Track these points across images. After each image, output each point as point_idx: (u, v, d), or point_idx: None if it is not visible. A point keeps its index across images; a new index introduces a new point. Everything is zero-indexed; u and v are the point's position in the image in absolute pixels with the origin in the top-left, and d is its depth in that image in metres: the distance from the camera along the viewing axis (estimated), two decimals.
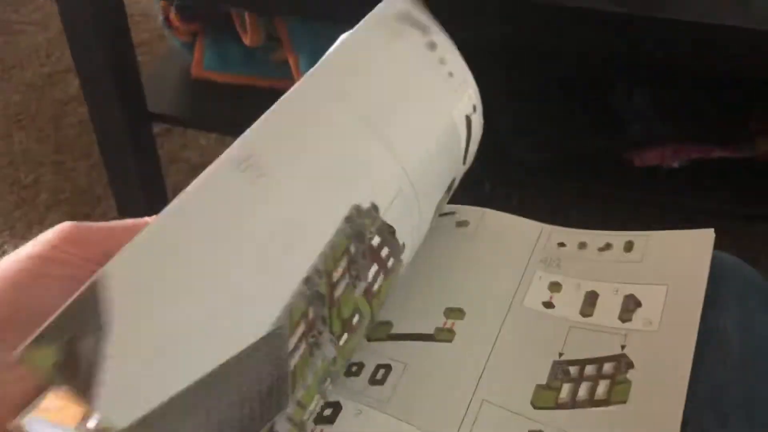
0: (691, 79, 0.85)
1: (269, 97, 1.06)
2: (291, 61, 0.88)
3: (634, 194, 0.85)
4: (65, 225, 0.28)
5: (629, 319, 0.34)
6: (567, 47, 0.72)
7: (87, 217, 1.08)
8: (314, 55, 0.88)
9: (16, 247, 1.20)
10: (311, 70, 0.31)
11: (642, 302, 0.35)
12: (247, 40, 0.88)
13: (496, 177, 0.86)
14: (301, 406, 0.27)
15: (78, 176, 1.15)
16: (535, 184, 0.86)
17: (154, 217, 0.30)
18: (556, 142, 0.87)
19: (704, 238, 0.36)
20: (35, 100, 1.29)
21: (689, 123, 0.86)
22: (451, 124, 0.35)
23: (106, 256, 0.28)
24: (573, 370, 0.32)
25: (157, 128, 1.06)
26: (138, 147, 0.94)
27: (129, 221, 0.30)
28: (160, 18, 0.96)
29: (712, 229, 0.36)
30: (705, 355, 0.34)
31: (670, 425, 0.30)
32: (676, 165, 0.86)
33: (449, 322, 0.34)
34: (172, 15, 0.93)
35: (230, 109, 0.94)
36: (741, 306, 0.37)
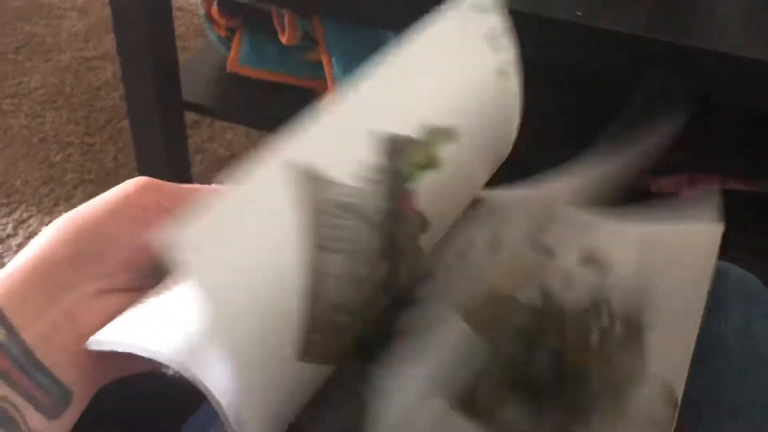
0: (714, 109, 0.87)
1: (300, 95, 1.08)
2: (324, 62, 0.91)
3: None
4: (141, 178, 0.31)
5: None
6: (593, 68, 0.75)
7: None
8: (348, 57, 0.91)
9: (41, 220, 1.22)
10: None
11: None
12: (284, 39, 0.91)
13: None
14: None
15: (105, 159, 1.18)
16: None
17: (216, 185, 0.33)
18: (574, 161, 0.89)
19: (712, 233, 0.37)
20: (70, 84, 1.33)
21: (708, 153, 0.88)
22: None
23: (176, 207, 0.31)
24: None
25: (186, 119, 1.09)
26: (169, 133, 0.97)
27: (195, 185, 0.32)
28: (201, 12, 0.99)
29: (721, 225, 0.37)
30: (705, 359, 0.36)
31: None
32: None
33: None
34: (214, 9, 0.96)
35: (261, 104, 0.96)
36: (744, 313, 0.39)
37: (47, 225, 1.10)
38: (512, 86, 0.37)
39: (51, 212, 1.07)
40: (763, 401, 0.36)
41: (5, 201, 1.10)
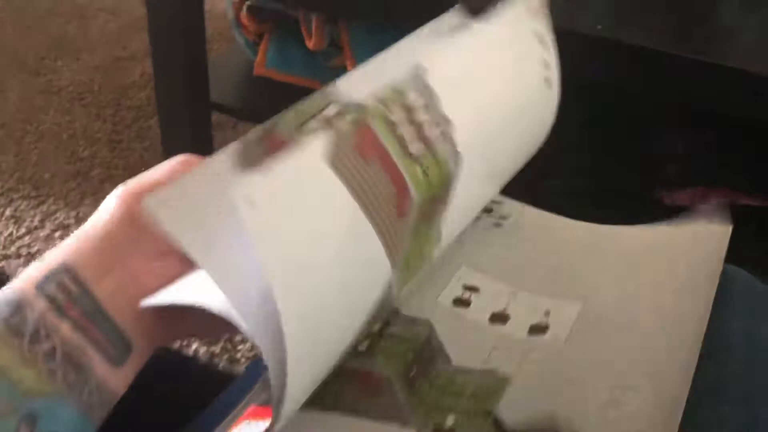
0: (729, 125, 0.89)
1: None
2: (349, 67, 0.94)
3: None
4: (187, 154, 0.34)
5: None
6: (610, 81, 0.77)
7: None
8: None
9: (68, 213, 1.24)
10: None
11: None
12: (310, 44, 0.94)
13: (526, 200, 0.89)
14: None
15: (132, 155, 1.21)
16: (564, 210, 0.90)
17: None
18: (590, 172, 0.91)
19: (721, 233, 0.39)
20: (99, 82, 1.37)
21: (722, 168, 0.89)
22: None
23: None
24: None
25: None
26: (196, 132, 1.00)
27: None
28: (230, 16, 1.02)
29: (730, 226, 0.39)
30: (708, 353, 0.37)
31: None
32: None
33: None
34: (243, 14, 0.99)
35: (286, 107, 0.99)
36: (748, 312, 0.41)
37: (74, 217, 1.14)
38: (553, 92, 0.40)
39: (78, 206, 1.10)
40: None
41: (35, 193, 1.14)
